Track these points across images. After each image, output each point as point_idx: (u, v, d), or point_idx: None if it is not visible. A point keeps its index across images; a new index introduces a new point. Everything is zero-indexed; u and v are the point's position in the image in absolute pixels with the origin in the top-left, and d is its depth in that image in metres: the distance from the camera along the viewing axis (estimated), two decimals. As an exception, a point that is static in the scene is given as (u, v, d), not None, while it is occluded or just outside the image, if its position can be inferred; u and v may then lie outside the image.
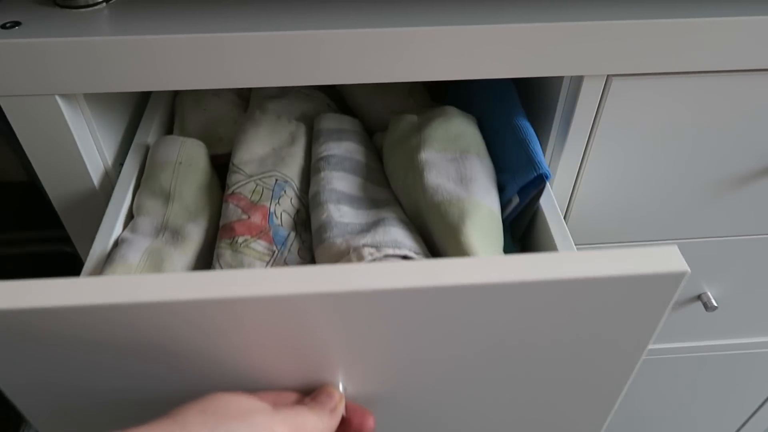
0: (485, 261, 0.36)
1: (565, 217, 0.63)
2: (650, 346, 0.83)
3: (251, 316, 0.36)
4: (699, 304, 0.77)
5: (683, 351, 0.86)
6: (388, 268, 0.36)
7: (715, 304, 0.74)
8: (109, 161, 0.57)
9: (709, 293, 0.75)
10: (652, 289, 0.37)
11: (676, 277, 0.36)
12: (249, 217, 0.50)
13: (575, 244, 0.50)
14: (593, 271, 0.35)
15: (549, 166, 0.58)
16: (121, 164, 0.58)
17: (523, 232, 0.56)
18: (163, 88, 0.48)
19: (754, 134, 0.56)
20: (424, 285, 0.35)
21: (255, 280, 0.35)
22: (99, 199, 0.57)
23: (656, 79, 0.51)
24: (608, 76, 0.50)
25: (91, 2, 0.48)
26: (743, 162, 0.59)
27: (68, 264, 0.89)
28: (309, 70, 0.47)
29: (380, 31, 0.45)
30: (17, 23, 0.46)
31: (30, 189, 0.97)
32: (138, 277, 0.35)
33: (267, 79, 0.48)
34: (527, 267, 0.35)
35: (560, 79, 0.52)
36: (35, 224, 0.93)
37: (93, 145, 0.55)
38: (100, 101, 0.55)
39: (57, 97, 0.48)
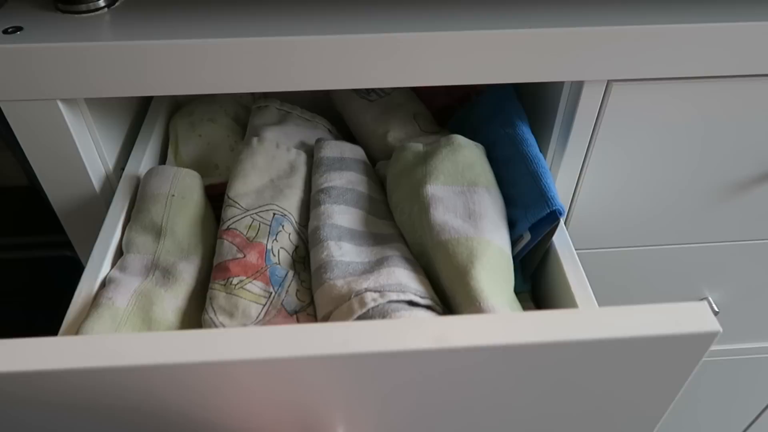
0: (497, 320, 0.33)
1: (565, 222, 0.62)
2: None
3: (245, 378, 0.33)
4: None
5: None
6: (391, 327, 0.33)
7: (717, 310, 0.74)
8: (110, 166, 0.57)
9: (710, 298, 0.75)
10: (680, 349, 0.34)
11: (706, 338, 0.33)
12: (244, 256, 0.47)
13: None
14: (618, 331, 0.32)
15: (550, 169, 0.57)
16: (122, 169, 0.57)
17: (534, 269, 0.53)
18: (164, 93, 0.47)
19: (754, 139, 0.56)
20: (429, 347, 0.32)
21: (247, 341, 0.32)
22: (100, 203, 0.56)
23: (656, 85, 0.50)
24: (608, 81, 0.50)
25: (92, 7, 0.48)
26: (743, 167, 0.58)
27: (69, 269, 0.87)
28: (310, 75, 0.47)
29: (381, 36, 0.45)
30: (19, 28, 0.46)
31: (31, 193, 0.97)
32: (124, 337, 0.32)
33: (266, 84, 0.47)
34: (546, 327, 0.33)
35: (561, 84, 0.52)
36: (36, 229, 0.91)
37: (94, 150, 0.54)
38: (102, 106, 0.55)
39: (58, 102, 0.48)
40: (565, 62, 0.47)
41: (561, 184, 0.58)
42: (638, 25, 0.46)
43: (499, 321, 0.33)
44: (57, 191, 0.55)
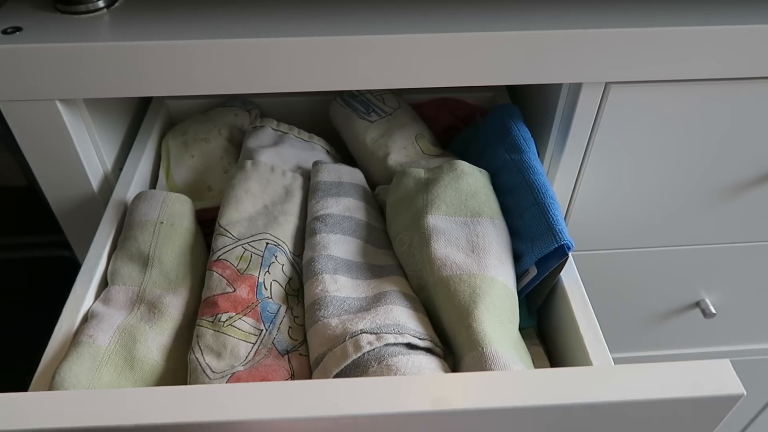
0: (501, 379, 0.30)
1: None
2: (648, 354, 0.83)
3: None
4: (697, 311, 0.77)
5: (681, 358, 0.85)
6: (386, 387, 0.30)
7: (714, 311, 0.74)
8: (109, 166, 0.57)
9: (707, 300, 0.75)
10: (700, 411, 0.31)
11: (728, 401, 0.30)
12: (234, 290, 0.45)
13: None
14: (632, 393, 0.30)
15: (548, 172, 0.58)
16: (120, 169, 0.57)
17: (541, 304, 0.50)
18: (163, 94, 0.47)
19: (751, 141, 0.56)
20: (427, 410, 0.29)
21: (231, 400, 0.30)
22: (98, 204, 0.56)
23: (654, 87, 0.50)
24: (607, 83, 0.50)
25: (92, 8, 0.48)
26: (741, 169, 0.59)
27: (67, 269, 0.87)
28: (309, 76, 0.47)
29: (379, 38, 0.45)
30: (18, 29, 0.46)
31: (29, 194, 0.97)
32: (97, 394, 0.30)
33: (267, 85, 0.47)
34: (554, 387, 0.30)
35: (559, 86, 0.52)
36: (34, 229, 0.92)
37: (92, 150, 0.54)
38: (100, 106, 0.55)
39: (57, 102, 0.48)
40: (564, 64, 0.48)
41: (559, 186, 0.59)
42: (637, 27, 0.46)
43: (503, 380, 0.30)
44: (55, 191, 0.55)
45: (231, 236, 0.48)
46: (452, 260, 0.44)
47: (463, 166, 0.51)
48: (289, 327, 0.45)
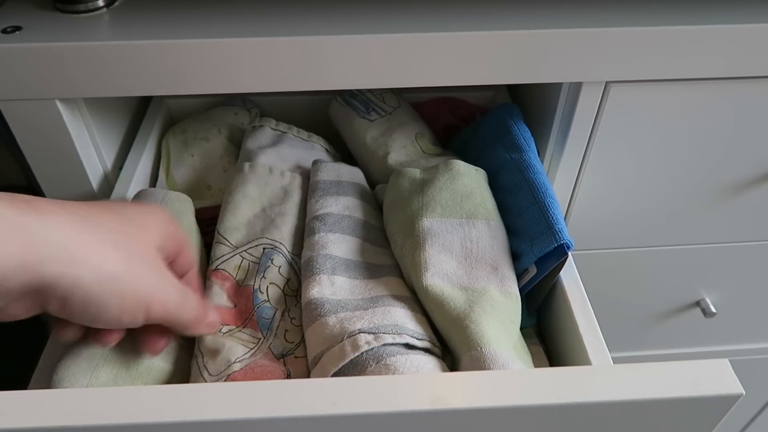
0: (500, 378, 0.30)
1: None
2: (648, 353, 0.83)
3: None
4: (698, 310, 0.76)
5: (681, 357, 0.85)
6: (384, 386, 0.30)
7: (714, 311, 0.74)
8: (109, 166, 0.57)
9: (707, 299, 0.75)
10: (698, 411, 0.31)
11: (727, 400, 0.30)
12: (235, 305, 0.45)
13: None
14: (630, 393, 0.30)
15: (548, 172, 0.58)
16: (120, 168, 0.57)
17: (540, 303, 0.50)
18: (163, 93, 0.48)
19: (752, 141, 0.56)
20: (425, 409, 0.29)
21: (227, 399, 0.30)
22: None
23: (655, 86, 0.51)
24: (607, 82, 0.50)
25: (91, 7, 0.48)
26: (742, 168, 0.59)
27: None
28: (310, 75, 0.47)
29: (379, 37, 0.45)
30: (18, 28, 0.46)
31: (29, 193, 0.95)
32: (92, 392, 0.30)
33: (267, 84, 0.47)
34: (554, 387, 0.30)
35: (559, 85, 0.52)
36: None
37: (92, 150, 0.54)
38: (100, 105, 0.55)
39: (57, 102, 0.48)
40: (564, 63, 0.48)
41: (559, 185, 0.58)
42: (637, 26, 0.46)
43: (502, 380, 0.30)
44: (55, 191, 0.55)
45: (229, 245, 0.48)
46: (444, 270, 0.44)
47: (459, 165, 0.51)
48: (286, 330, 0.45)
